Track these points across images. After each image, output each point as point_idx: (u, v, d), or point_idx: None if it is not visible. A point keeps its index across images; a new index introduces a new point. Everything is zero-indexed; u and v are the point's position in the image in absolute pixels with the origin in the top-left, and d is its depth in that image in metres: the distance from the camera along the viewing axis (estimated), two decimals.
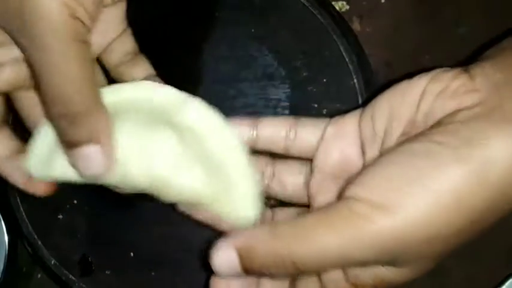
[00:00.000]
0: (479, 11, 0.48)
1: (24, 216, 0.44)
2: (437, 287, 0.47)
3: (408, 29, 0.48)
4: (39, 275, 0.47)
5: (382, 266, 0.32)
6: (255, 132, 0.37)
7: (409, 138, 0.32)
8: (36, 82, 0.33)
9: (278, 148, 0.37)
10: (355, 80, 0.44)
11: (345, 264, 0.31)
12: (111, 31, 0.39)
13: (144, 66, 0.39)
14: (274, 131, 0.37)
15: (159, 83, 0.37)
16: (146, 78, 0.38)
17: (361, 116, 0.35)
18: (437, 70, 0.33)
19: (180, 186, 0.34)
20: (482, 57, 0.33)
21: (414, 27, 0.48)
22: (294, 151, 0.37)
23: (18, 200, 0.44)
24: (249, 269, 0.32)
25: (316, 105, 0.44)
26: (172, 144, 0.34)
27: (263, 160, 0.38)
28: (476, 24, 0.48)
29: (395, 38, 0.48)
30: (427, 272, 0.32)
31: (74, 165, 0.34)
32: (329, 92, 0.44)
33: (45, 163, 0.36)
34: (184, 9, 0.45)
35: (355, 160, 0.35)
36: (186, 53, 0.45)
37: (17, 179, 0.37)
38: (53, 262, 0.44)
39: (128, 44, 0.39)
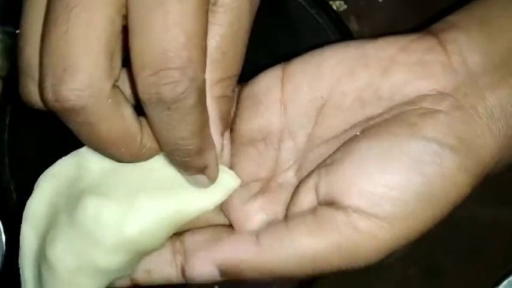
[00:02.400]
0: None
1: (22, 216, 0.44)
2: (434, 287, 0.47)
3: (406, 29, 0.47)
4: None
5: None
6: None
7: (386, 123, 0.31)
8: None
9: None
10: None
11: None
12: None
13: None
14: None
15: None
16: None
17: (288, 71, 0.34)
18: (406, 38, 0.32)
19: None
20: (455, 24, 0.32)
21: (412, 27, 0.47)
22: None
23: (16, 200, 0.44)
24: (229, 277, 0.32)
25: None
26: None
27: None
28: None
29: None
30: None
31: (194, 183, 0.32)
32: None
33: None
34: None
35: (275, 121, 0.34)
36: None
37: None
38: None
39: None
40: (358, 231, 0.30)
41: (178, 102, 0.27)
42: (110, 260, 0.32)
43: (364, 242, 0.30)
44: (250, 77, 0.45)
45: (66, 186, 0.34)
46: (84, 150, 0.34)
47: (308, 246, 0.31)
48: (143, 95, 0.27)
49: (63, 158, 0.34)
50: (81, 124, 0.28)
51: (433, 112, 0.30)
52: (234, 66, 0.31)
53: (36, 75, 0.29)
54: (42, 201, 0.34)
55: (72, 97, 0.27)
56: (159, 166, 0.33)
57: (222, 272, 0.32)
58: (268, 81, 0.34)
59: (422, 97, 0.30)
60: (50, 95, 0.27)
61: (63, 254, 0.32)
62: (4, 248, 0.43)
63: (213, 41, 0.30)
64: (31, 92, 0.30)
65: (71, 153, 0.34)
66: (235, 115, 0.35)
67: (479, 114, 0.30)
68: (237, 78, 0.32)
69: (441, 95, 0.30)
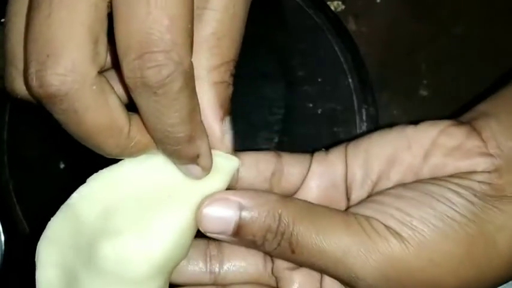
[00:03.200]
0: (475, 10, 0.48)
1: (21, 215, 0.44)
2: None
3: (403, 29, 0.48)
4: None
5: None
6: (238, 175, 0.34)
7: (425, 180, 0.32)
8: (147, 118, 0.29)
9: (261, 188, 0.35)
10: (350, 80, 0.44)
11: (335, 272, 0.31)
12: None
13: None
14: (259, 172, 0.35)
15: None
16: None
17: (347, 153, 0.35)
18: (445, 122, 0.33)
19: None
20: (486, 112, 0.33)
21: (409, 27, 0.48)
22: (277, 190, 0.35)
23: (15, 199, 0.45)
24: (242, 231, 0.31)
25: (311, 105, 0.44)
26: None
27: None
28: (472, 23, 0.48)
29: (390, 37, 0.48)
30: None
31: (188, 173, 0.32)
32: (324, 92, 0.44)
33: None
34: None
35: (338, 199, 0.35)
36: None
37: None
38: None
39: None
40: (376, 232, 0.30)
41: (164, 87, 0.27)
42: None
43: (381, 245, 0.30)
44: (248, 76, 0.45)
45: (70, 243, 0.32)
46: (70, 202, 0.32)
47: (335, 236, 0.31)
48: (128, 79, 0.27)
49: (53, 217, 0.32)
50: (66, 112, 0.28)
51: (463, 178, 0.31)
52: (231, 51, 0.31)
53: (20, 64, 0.29)
54: (51, 269, 0.33)
55: (55, 82, 0.27)
56: (151, 179, 0.32)
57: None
58: (336, 159, 0.35)
59: (459, 173, 0.32)
60: (34, 82, 0.27)
61: None
62: (3, 247, 0.43)
63: (209, 26, 0.30)
64: (15, 80, 0.29)
65: (59, 210, 0.32)
66: (307, 175, 0.35)
67: (505, 192, 0.31)
68: (234, 63, 0.32)
69: (476, 172, 0.31)
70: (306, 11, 0.45)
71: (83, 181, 0.34)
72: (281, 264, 0.35)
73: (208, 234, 0.32)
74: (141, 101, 0.28)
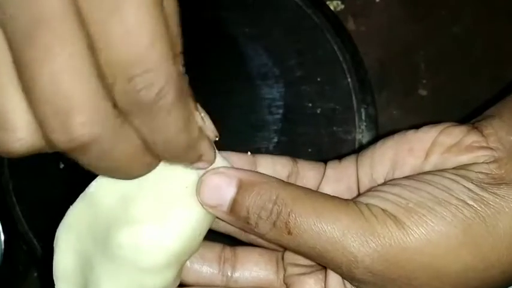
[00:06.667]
0: (474, 10, 0.48)
1: (20, 215, 0.45)
2: None
3: (402, 28, 0.48)
4: (35, 274, 0.47)
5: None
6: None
7: (423, 172, 0.32)
8: None
9: None
10: (349, 79, 0.44)
11: (333, 256, 0.31)
12: None
13: None
14: (276, 173, 0.35)
15: None
16: None
17: (358, 161, 0.35)
18: (446, 124, 0.33)
19: None
20: (490, 115, 0.33)
21: (408, 27, 0.48)
22: None
23: (14, 199, 0.45)
24: (237, 206, 0.31)
25: (310, 105, 0.44)
26: None
27: None
28: (471, 23, 0.48)
29: (389, 37, 0.48)
30: None
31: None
32: (323, 91, 0.44)
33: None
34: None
35: None
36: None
37: None
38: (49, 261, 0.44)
39: None
40: (374, 215, 0.30)
41: (158, 103, 0.26)
42: (163, 278, 0.32)
43: (379, 227, 0.30)
44: (247, 76, 0.45)
45: (87, 230, 0.33)
46: (90, 190, 0.33)
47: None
48: (121, 105, 0.26)
49: (73, 205, 0.33)
50: (97, 155, 0.27)
51: (460, 169, 0.31)
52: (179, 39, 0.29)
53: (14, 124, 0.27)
54: (68, 255, 0.33)
55: (83, 132, 0.26)
56: (167, 170, 0.32)
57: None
58: (348, 166, 0.36)
59: (458, 166, 0.32)
60: (60, 137, 0.26)
61: None
62: (3, 247, 0.43)
63: None
64: (15, 142, 0.27)
65: (79, 198, 0.33)
66: (322, 180, 0.36)
67: (504, 180, 0.31)
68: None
69: (475, 164, 0.31)
70: (305, 10, 0.45)
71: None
72: (292, 270, 0.35)
73: (205, 208, 0.32)
74: (137, 122, 0.27)
